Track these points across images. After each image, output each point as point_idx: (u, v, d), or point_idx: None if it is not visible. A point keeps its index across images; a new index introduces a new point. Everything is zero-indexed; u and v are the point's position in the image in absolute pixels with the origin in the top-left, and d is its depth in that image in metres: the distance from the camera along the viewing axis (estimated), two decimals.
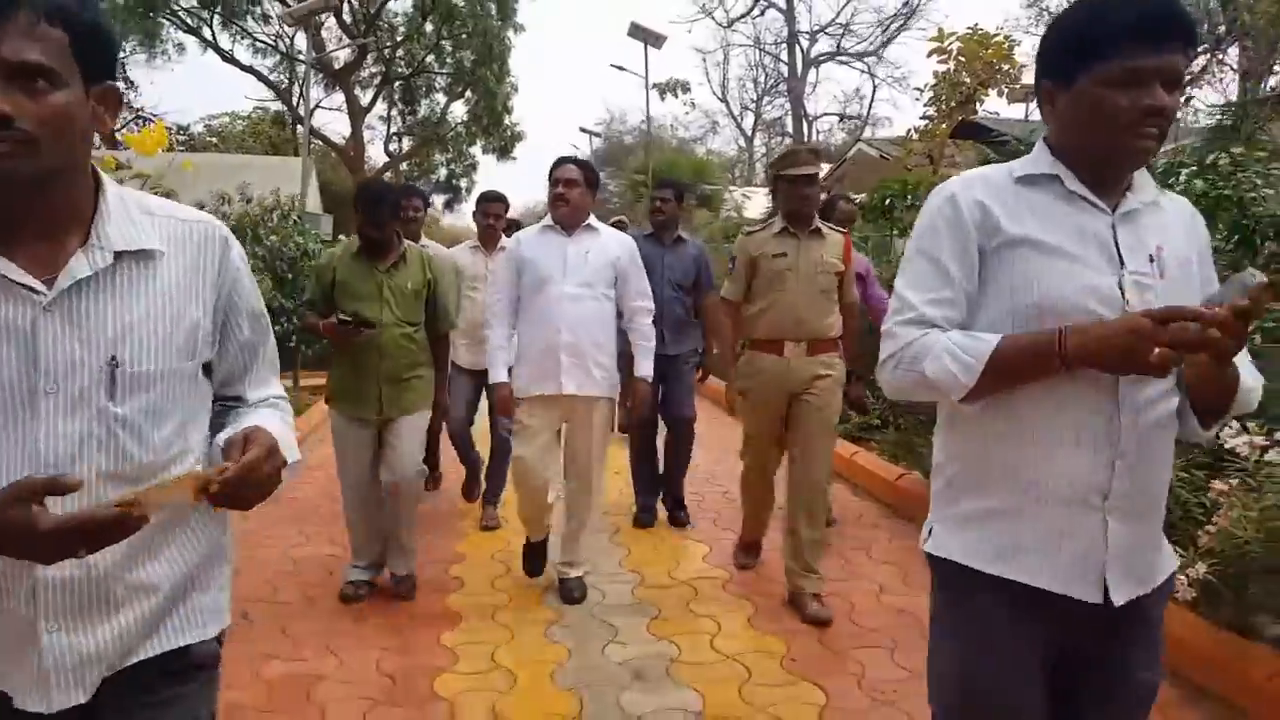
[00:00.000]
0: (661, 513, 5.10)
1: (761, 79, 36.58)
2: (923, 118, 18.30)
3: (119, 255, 1.20)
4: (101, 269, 1.18)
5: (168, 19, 23.87)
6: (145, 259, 1.23)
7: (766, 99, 37.16)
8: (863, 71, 25.68)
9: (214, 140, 26.54)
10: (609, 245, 3.89)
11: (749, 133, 39.31)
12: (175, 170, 8.07)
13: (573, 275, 3.76)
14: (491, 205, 5.23)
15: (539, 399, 3.77)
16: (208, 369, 1.34)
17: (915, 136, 16.28)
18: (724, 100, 38.64)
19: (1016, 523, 1.44)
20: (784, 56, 33.54)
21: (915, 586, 3.91)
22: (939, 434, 1.59)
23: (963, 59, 17.31)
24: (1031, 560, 1.44)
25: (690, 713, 2.91)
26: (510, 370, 3.90)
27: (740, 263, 3.92)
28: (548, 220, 3.92)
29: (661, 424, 5.09)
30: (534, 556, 4.06)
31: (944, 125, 16.77)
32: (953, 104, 16.37)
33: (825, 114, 34.01)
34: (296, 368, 9.33)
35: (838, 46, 33.18)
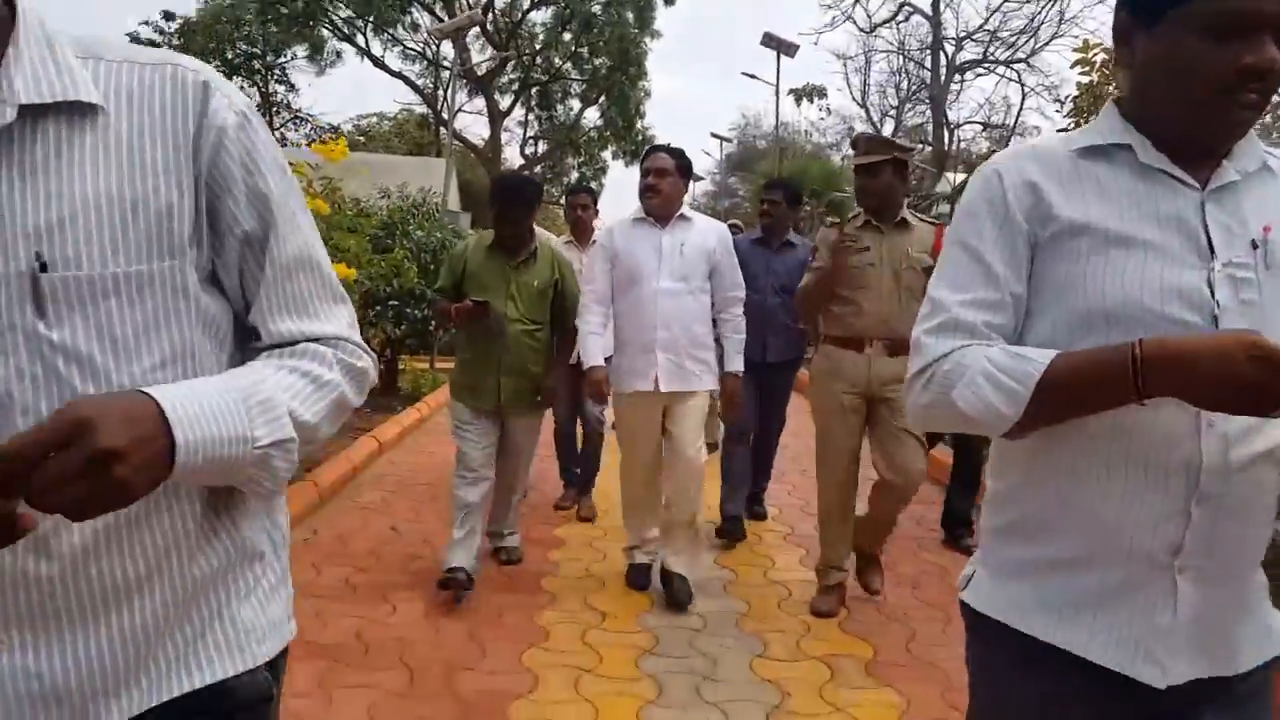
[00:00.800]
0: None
1: (904, 85, 35.39)
2: (1060, 129, 17.69)
3: (29, 111, 0.82)
4: None
5: (327, 29, 25.20)
6: (78, 116, 0.85)
7: (908, 105, 35.87)
8: (1010, 79, 24.42)
9: (361, 139, 27.82)
10: (705, 236, 3.74)
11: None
12: (353, 171, 8.78)
13: (668, 270, 3.62)
14: (577, 197, 5.12)
15: (637, 394, 3.67)
16: (218, 282, 0.96)
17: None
18: (864, 106, 37.66)
19: (1072, 577, 1.15)
20: (927, 63, 32.41)
21: None
22: (994, 452, 1.28)
23: (1106, 70, 16.54)
24: (1084, 627, 1.13)
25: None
26: (608, 360, 3.84)
27: (822, 254, 3.65)
28: (638, 212, 3.77)
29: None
30: (639, 575, 3.89)
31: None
32: (1095, 116, 15.66)
33: (969, 121, 32.62)
34: (433, 353, 9.76)
35: (984, 54, 31.86)
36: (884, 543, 3.73)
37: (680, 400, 3.66)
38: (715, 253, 3.72)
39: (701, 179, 34.94)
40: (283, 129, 25.35)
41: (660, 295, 3.59)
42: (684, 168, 3.75)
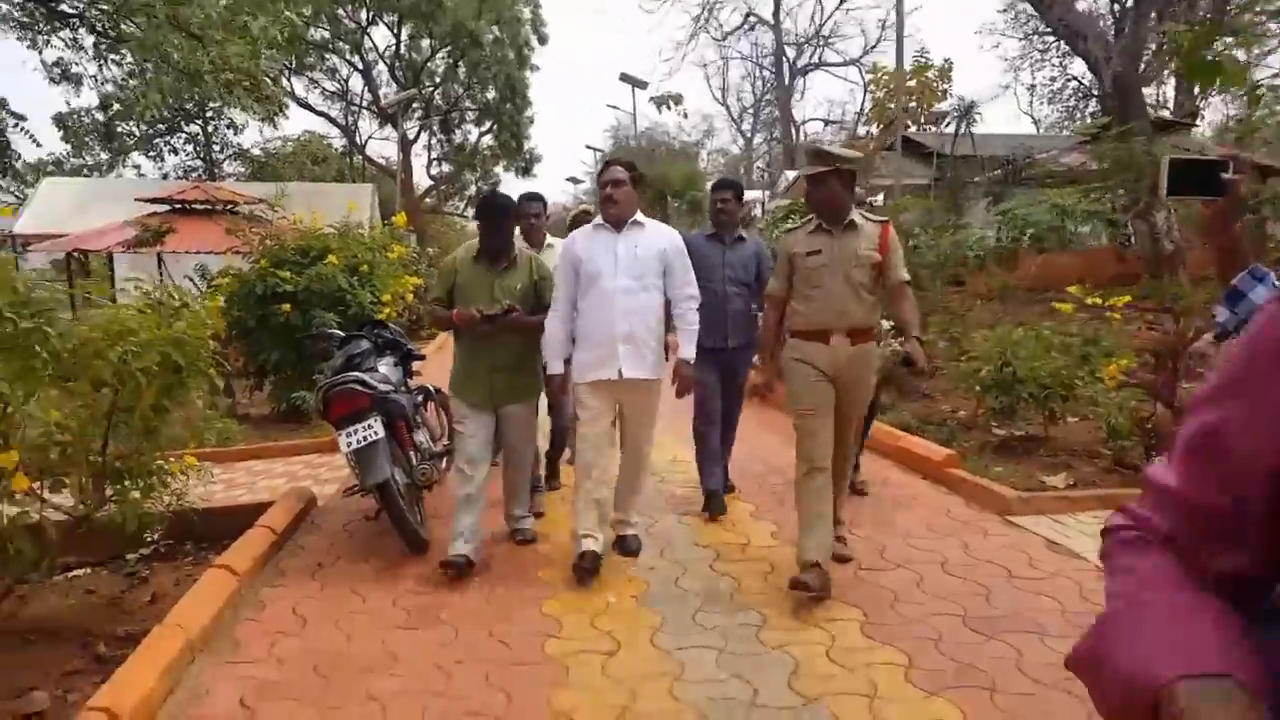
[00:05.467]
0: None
1: (759, 85, 35.19)
2: (856, 136, 18.11)
3: None
4: None
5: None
6: None
7: (762, 103, 35.53)
8: (844, 80, 25.00)
9: (265, 160, 25.94)
10: (657, 239, 3.51)
11: (748, 134, 37.09)
12: (282, 196, 8.16)
13: (624, 270, 3.40)
14: (531, 205, 4.61)
15: (600, 383, 3.42)
16: None
17: (859, 146, 16.04)
18: (724, 104, 37.29)
19: None
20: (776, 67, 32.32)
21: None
22: None
23: (890, 89, 17.10)
24: None
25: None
26: (569, 360, 3.54)
27: (780, 260, 3.45)
28: (598, 219, 3.53)
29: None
30: (591, 564, 3.38)
31: (873, 142, 16.59)
32: (880, 126, 16.22)
33: (811, 119, 32.91)
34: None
35: (819, 58, 32.05)
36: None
37: (637, 390, 3.45)
38: (667, 253, 3.48)
39: (582, 181, 34.38)
40: (224, 164, 23.30)
41: (618, 293, 3.38)
42: (635, 178, 3.50)
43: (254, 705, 2.48)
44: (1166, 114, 16.60)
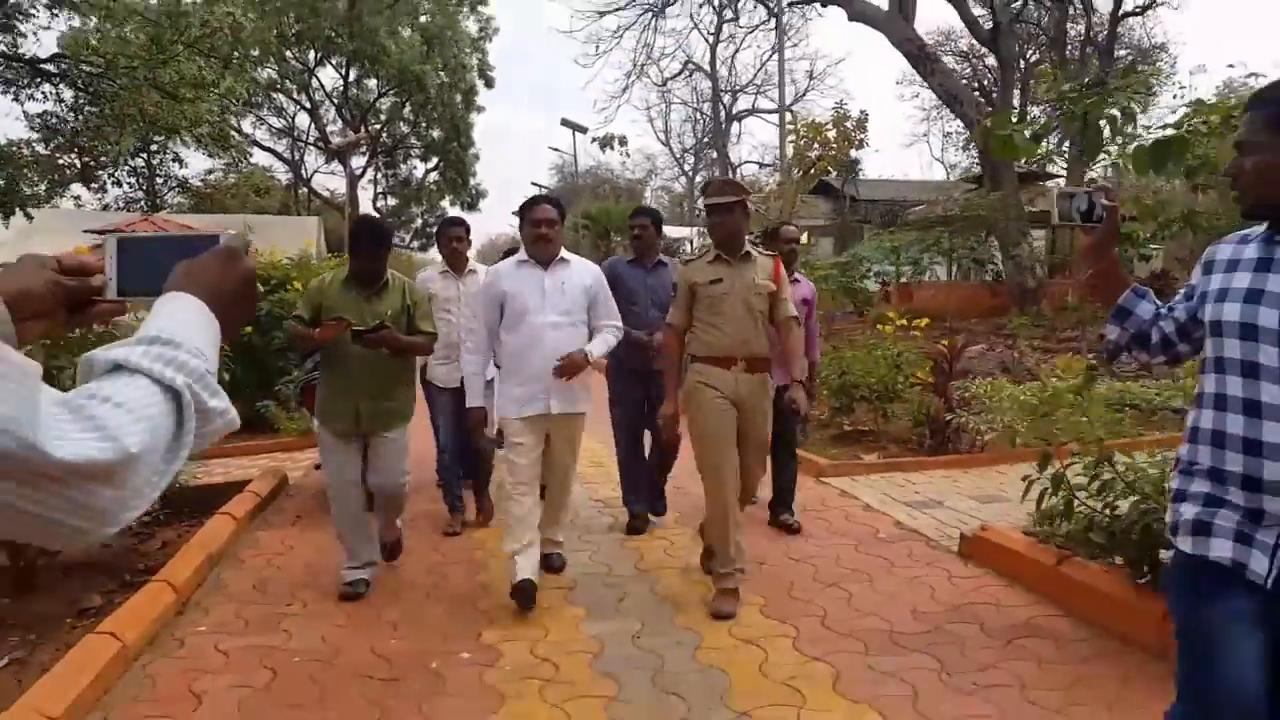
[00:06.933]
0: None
1: (700, 126, 36.29)
2: (780, 183, 19.90)
3: None
4: None
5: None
6: None
7: (703, 142, 36.57)
8: (775, 125, 25.77)
9: (209, 191, 26.28)
10: (582, 274, 3.51)
11: (690, 173, 37.28)
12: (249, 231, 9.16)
13: (552, 306, 3.39)
14: (454, 229, 4.52)
15: (529, 419, 3.40)
16: None
17: (776, 192, 17.87)
18: (666, 144, 37.86)
19: None
20: (711, 112, 33.64)
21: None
22: None
23: (806, 139, 18.98)
24: None
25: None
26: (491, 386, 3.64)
27: (681, 290, 3.46)
28: (522, 255, 3.50)
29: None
30: (527, 594, 3.31)
31: (795, 186, 18.41)
32: (800, 174, 17.99)
33: (747, 161, 34.21)
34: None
35: (752, 105, 33.48)
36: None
37: (564, 423, 3.47)
38: (591, 288, 3.52)
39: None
40: (166, 195, 23.70)
41: (546, 329, 3.38)
42: (562, 214, 3.54)
43: (261, 588, 3.62)
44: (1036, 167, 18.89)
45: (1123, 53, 23.70)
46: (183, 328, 0.67)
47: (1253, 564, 1.41)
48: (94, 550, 3.87)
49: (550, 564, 3.74)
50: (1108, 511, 3.16)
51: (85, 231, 16.32)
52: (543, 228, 3.41)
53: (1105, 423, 3.05)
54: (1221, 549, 1.45)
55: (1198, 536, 1.49)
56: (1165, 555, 1.52)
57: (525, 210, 3.49)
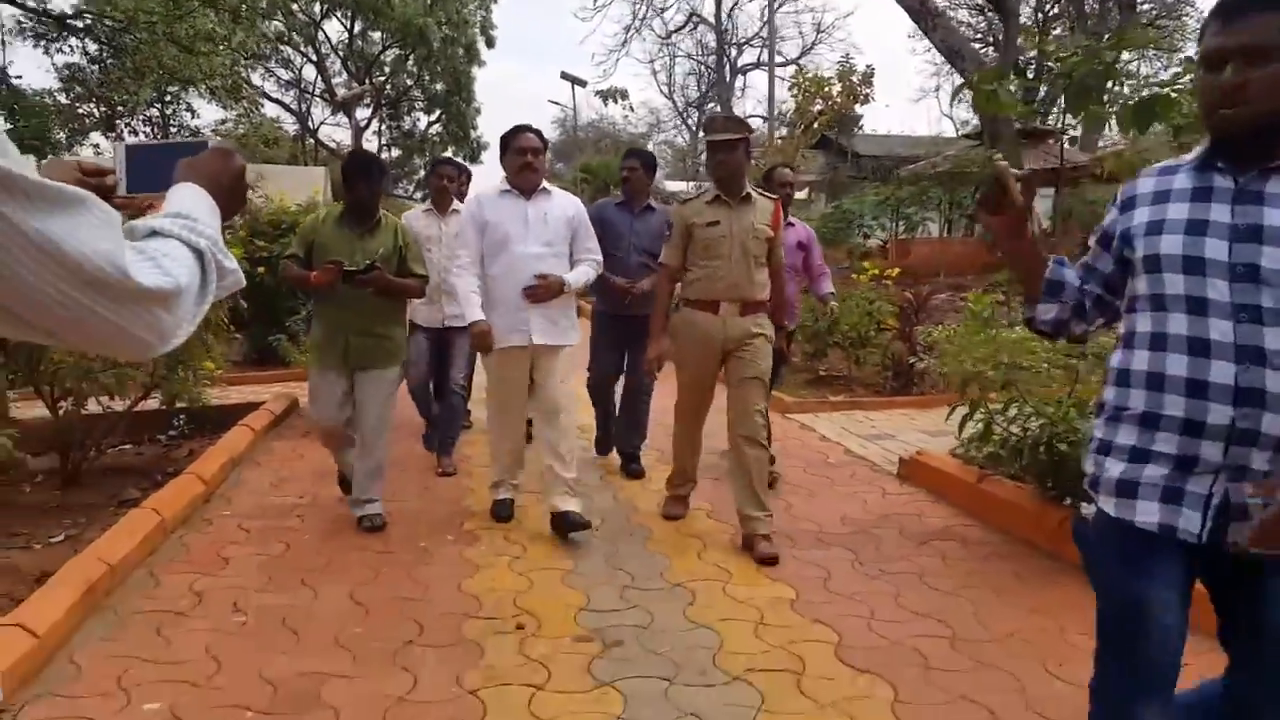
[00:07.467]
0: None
1: (704, 80, 35.51)
2: (780, 137, 19.99)
3: None
4: None
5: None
6: None
7: (707, 96, 35.79)
8: (781, 79, 24.85)
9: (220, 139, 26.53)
10: (564, 206, 3.49)
11: (694, 127, 36.12)
12: (260, 179, 9.57)
13: (535, 236, 3.36)
14: (444, 168, 4.49)
15: (511, 349, 3.39)
16: None
17: (777, 147, 18.04)
18: (670, 98, 37.06)
19: None
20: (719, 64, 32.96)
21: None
22: None
23: (810, 93, 19.06)
24: None
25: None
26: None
27: (676, 230, 3.40)
28: (504, 184, 3.45)
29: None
30: (504, 510, 3.56)
31: (796, 141, 18.53)
32: (801, 128, 18.08)
33: (751, 115, 33.68)
34: None
35: (757, 59, 32.75)
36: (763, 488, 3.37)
37: (548, 354, 3.44)
38: (574, 220, 3.49)
39: None
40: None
41: (529, 259, 3.35)
42: (545, 144, 3.52)
43: (277, 485, 4.15)
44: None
45: (1147, 5, 23.20)
46: (195, 208, 0.82)
47: (1182, 524, 1.31)
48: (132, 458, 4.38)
49: (574, 525, 3.35)
50: (1019, 432, 3.59)
51: None
52: (528, 155, 3.37)
53: (1013, 352, 3.45)
54: (1148, 513, 1.33)
55: (1122, 499, 1.37)
56: (1087, 510, 1.46)
57: (509, 139, 3.44)
